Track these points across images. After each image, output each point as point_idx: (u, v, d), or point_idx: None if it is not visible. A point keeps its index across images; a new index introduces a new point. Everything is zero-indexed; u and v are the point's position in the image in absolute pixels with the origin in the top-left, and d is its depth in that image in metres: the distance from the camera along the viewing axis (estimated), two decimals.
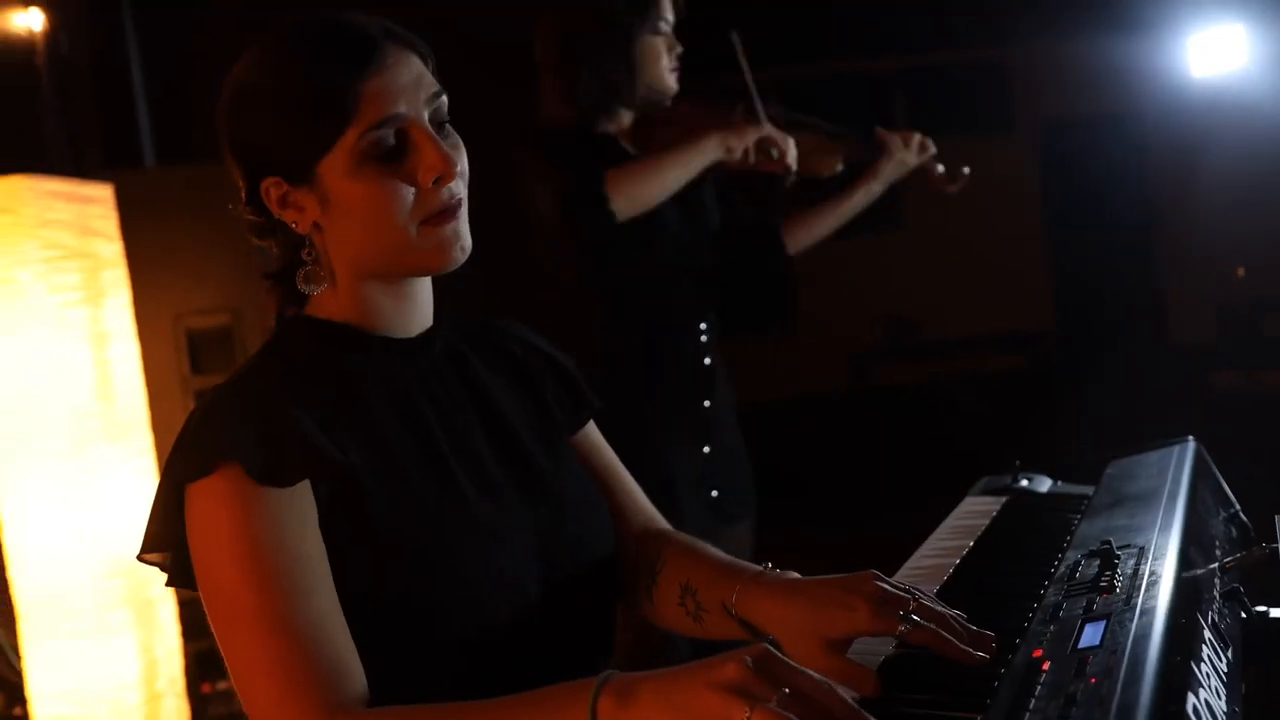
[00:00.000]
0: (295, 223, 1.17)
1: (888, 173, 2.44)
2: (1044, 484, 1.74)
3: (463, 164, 1.18)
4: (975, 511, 1.61)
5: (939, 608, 1.07)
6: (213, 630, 1.07)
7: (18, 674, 2.91)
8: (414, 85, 1.14)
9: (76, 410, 2.83)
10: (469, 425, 1.23)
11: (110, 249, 3.04)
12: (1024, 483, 1.73)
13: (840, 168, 2.39)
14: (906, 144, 2.44)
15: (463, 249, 1.18)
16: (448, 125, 1.19)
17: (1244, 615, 1.19)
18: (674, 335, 2.32)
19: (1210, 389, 7.06)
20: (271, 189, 1.16)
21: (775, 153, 2.19)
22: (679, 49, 2.30)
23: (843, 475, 6.04)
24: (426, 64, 1.18)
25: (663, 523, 1.41)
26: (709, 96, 2.32)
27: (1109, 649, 0.96)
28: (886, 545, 1.57)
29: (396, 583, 1.10)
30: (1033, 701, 0.91)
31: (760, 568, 1.21)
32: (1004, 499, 1.66)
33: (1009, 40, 8.59)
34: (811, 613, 1.10)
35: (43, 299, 2.79)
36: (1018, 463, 1.76)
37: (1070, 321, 9.05)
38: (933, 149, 2.46)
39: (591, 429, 1.41)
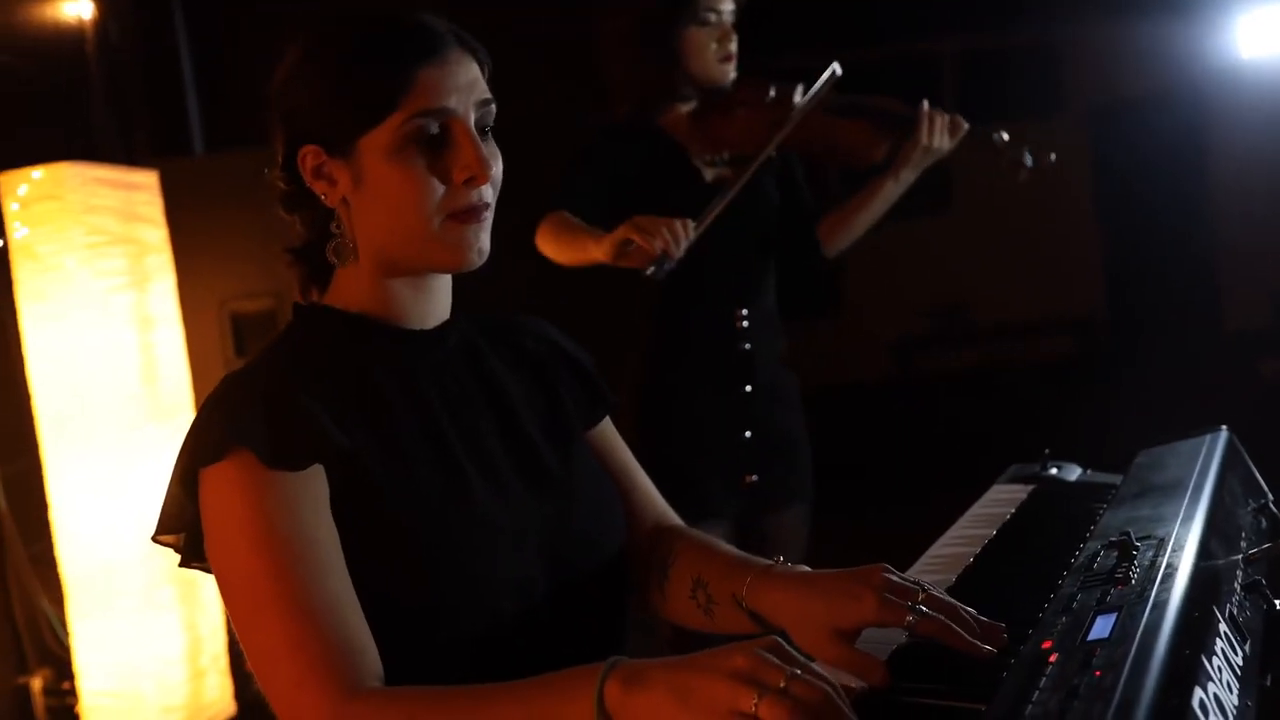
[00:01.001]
0: (325, 195, 1.19)
1: (917, 159, 2.30)
2: (1073, 472, 1.73)
3: (497, 171, 1.19)
4: (1001, 500, 1.60)
5: (948, 600, 1.07)
6: (229, 613, 1.09)
7: (66, 649, 2.97)
8: (468, 86, 1.17)
9: (122, 393, 2.89)
10: (479, 419, 1.24)
11: (155, 234, 3.10)
12: (1053, 471, 1.72)
13: (884, 156, 2.30)
14: (935, 126, 2.29)
15: (479, 253, 1.19)
16: (490, 135, 1.21)
17: (1266, 607, 1.18)
18: (710, 320, 2.33)
19: (1261, 377, 6.94)
20: (309, 157, 1.18)
21: (639, 250, 2.04)
22: (731, 39, 2.28)
23: (886, 461, 6.01)
24: (484, 72, 1.21)
25: (675, 520, 1.41)
26: (765, 82, 2.29)
27: (1118, 642, 0.95)
28: (928, 531, 1.56)
29: (401, 573, 1.11)
30: (1036, 693, 0.91)
31: (770, 561, 1.22)
32: (1031, 487, 1.65)
33: (1058, 22, 8.47)
34: (820, 604, 1.10)
35: (89, 284, 2.85)
36: (1046, 451, 1.75)
37: (1120, 307, 8.93)
38: (965, 128, 2.31)
39: (607, 427, 1.41)
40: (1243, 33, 6.48)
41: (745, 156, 2.21)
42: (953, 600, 1.08)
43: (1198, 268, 8.60)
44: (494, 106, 1.20)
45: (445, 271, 1.22)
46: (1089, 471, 1.73)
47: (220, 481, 1.09)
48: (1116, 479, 1.63)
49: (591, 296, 2.21)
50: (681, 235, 2.02)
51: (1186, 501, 1.33)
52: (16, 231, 2.85)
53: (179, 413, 3.07)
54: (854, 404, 7.59)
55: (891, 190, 2.36)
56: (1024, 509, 1.53)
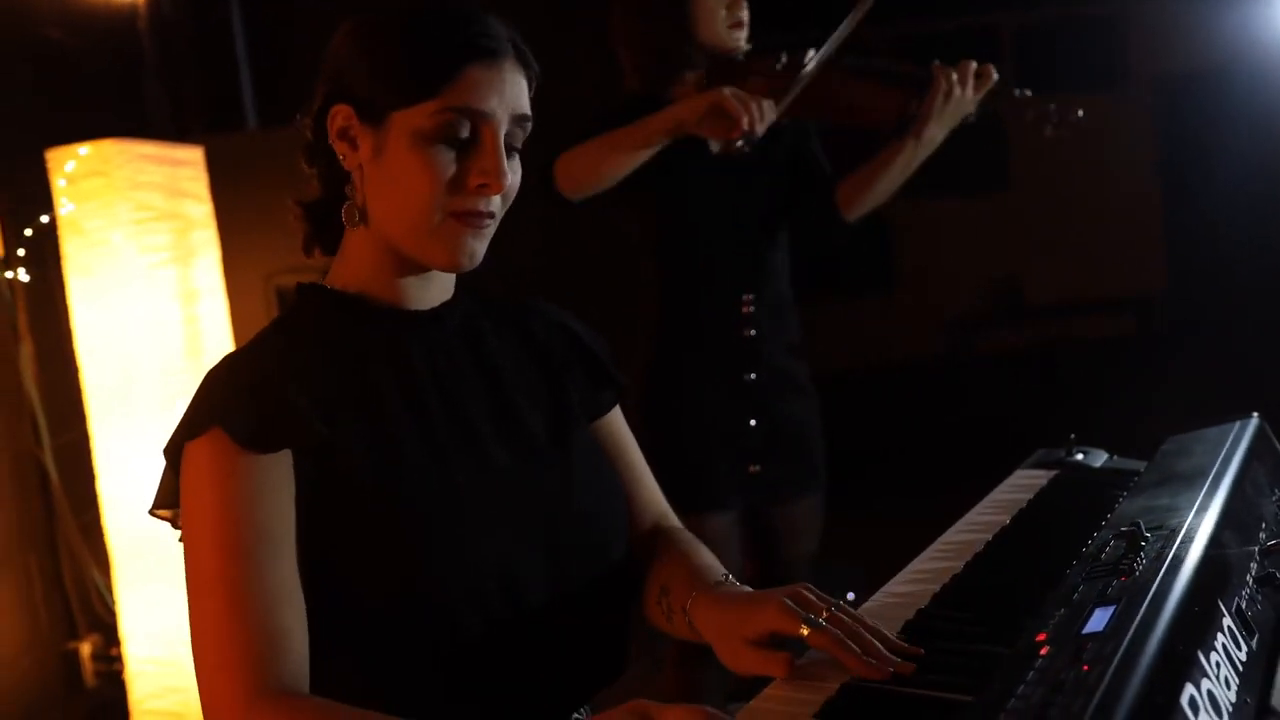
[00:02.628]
0: (344, 156, 1.20)
1: (941, 113, 2.13)
2: (1098, 458, 1.71)
3: (512, 186, 1.20)
4: (1020, 485, 1.59)
5: (854, 618, 1.08)
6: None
7: (113, 616, 3.04)
8: (509, 96, 1.17)
9: (167, 366, 2.94)
10: (470, 398, 1.24)
11: (200, 210, 3.14)
12: (1078, 457, 1.69)
13: (898, 118, 2.18)
14: (957, 78, 2.11)
15: (470, 258, 1.19)
16: (517, 152, 1.21)
17: (1278, 601, 1.16)
18: (715, 306, 2.28)
19: None
20: (339, 116, 1.19)
21: (727, 120, 2.02)
22: (742, 6, 2.23)
23: (936, 441, 5.95)
24: (530, 89, 1.21)
25: (674, 521, 1.41)
26: (776, 49, 2.24)
27: (1111, 635, 0.94)
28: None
29: (383, 558, 1.12)
30: (1022, 686, 0.90)
31: (722, 578, 1.24)
32: (1054, 473, 1.63)
33: None
34: (733, 616, 1.14)
35: (134, 259, 2.89)
36: (1072, 436, 1.72)
37: (1183, 287, 8.76)
38: (995, 77, 2.15)
39: (617, 422, 1.40)
40: None
41: (731, 143, 2.14)
42: (859, 619, 1.09)
43: (1263, 248, 8.40)
44: (530, 126, 1.21)
45: (432, 267, 1.22)
46: (1115, 458, 1.71)
47: (196, 457, 1.11)
48: (1142, 465, 1.60)
49: (602, 283, 2.19)
50: (767, 113, 2.01)
51: (1204, 491, 1.30)
52: (64, 207, 2.90)
53: None
54: (906, 382, 7.53)
55: (913, 151, 2.22)
56: (1042, 496, 1.52)
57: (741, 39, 2.25)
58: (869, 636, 1.06)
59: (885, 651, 1.05)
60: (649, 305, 2.31)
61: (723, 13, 2.21)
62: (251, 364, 1.16)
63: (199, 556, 1.09)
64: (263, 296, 3.74)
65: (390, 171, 1.17)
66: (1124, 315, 8.70)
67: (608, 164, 2.11)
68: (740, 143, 2.02)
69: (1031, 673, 0.92)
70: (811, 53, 2.15)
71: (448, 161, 1.15)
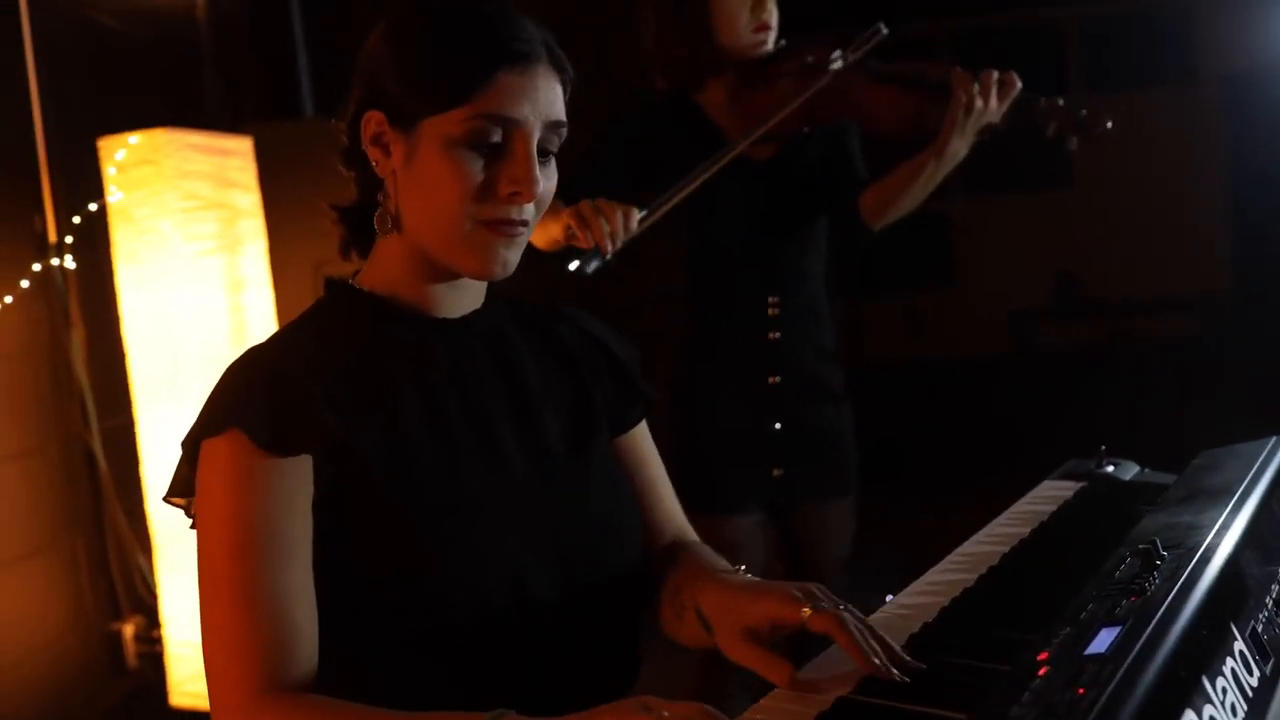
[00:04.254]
0: (377, 163, 1.19)
1: (963, 127, 2.04)
2: (1129, 471, 1.67)
3: (545, 193, 1.18)
4: (1046, 497, 1.56)
5: (856, 620, 1.07)
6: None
7: (155, 599, 3.09)
8: (542, 102, 1.15)
9: (212, 354, 2.98)
10: (491, 404, 1.23)
11: (248, 199, 3.17)
12: (1108, 469, 1.66)
13: (911, 126, 2.10)
14: (978, 90, 2.02)
15: (504, 266, 1.17)
16: (552, 159, 1.19)
17: None
18: (739, 309, 2.25)
19: None
20: (371, 122, 1.18)
21: (574, 235, 1.88)
22: (766, 8, 2.18)
23: (990, 438, 5.89)
24: (565, 94, 1.19)
25: (692, 536, 1.39)
26: (801, 51, 2.18)
27: (1112, 658, 0.92)
28: None
29: (394, 562, 1.12)
30: (1015, 707, 0.88)
31: (734, 569, 1.23)
32: (1081, 485, 1.60)
33: None
34: (738, 600, 1.13)
35: (182, 247, 2.94)
36: (1103, 448, 1.69)
37: (1248, 286, 8.58)
38: (1018, 86, 2.04)
39: (643, 438, 1.38)
40: None
41: (774, 134, 2.11)
42: (866, 623, 1.07)
43: None
44: (565, 131, 1.19)
45: (465, 275, 1.20)
46: (1146, 470, 1.67)
47: (213, 456, 1.11)
48: (1171, 479, 1.57)
49: (629, 286, 2.16)
50: (619, 229, 1.85)
51: (1229, 509, 1.27)
52: (114, 195, 2.95)
53: None
54: (963, 377, 7.46)
55: (935, 166, 2.12)
56: (1065, 509, 1.49)
57: (768, 41, 2.20)
58: (875, 639, 1.05)
59: (885, 656, 1.04)
60: (676, 310, 2.30)
61: (746, 16, 2.17)
62: (273, 362, 1.15)
63: (211, 556, 1.09)
64: (311, 286, 3.76)
65: (421, 178, 1.15)
66: (1187, 315, 8.55)
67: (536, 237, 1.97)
68: (575, 264, 1.85)
69: (1026, 694, 0.90)
70: (838, 53, 2.11)
71: (478, 169, 1.14)
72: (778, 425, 2.25)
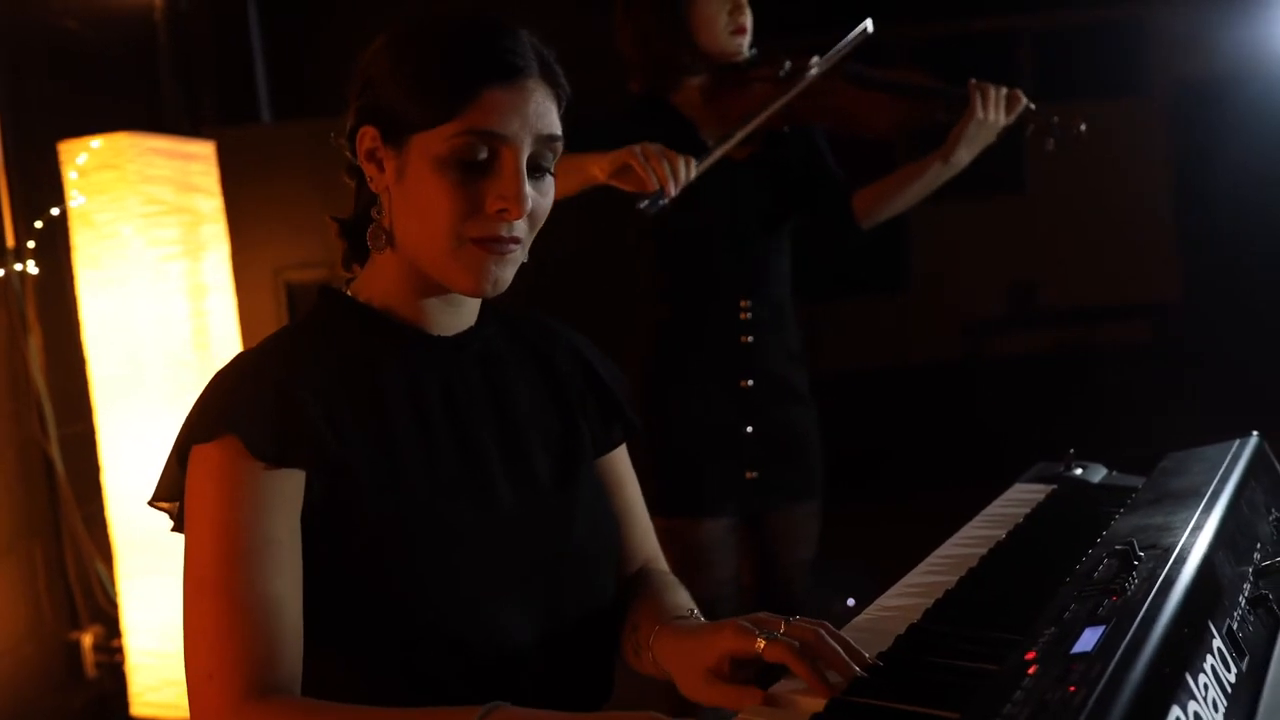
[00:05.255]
0: (372, 179, 1.18)
1: (973, 135, 2.14)
2: (1097, 474, 1.70)
3: (538, 209, 1.17)
4: (1018, 500, 1.58)
5: (811, 629, 1.06)
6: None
7: (115, 608, 3.05)
8: (532, 117, 1.13)
9: (174, 358, 2.95)
10: (484, 437, 1.22)
11: (210, 204, 3.15)
12: (1077, 472, 1.69)
13: (891, 127, 2.17)
14: (989, 101, 2.12)
15: (495, 283, 1.15)
16: (548, 173, 1.18)
17: (1272, 622, 1.16)
18: (712, 312, 2.28)
19: None
20: (366, 138, 1.17)
21: (635, 178, 1.98)
22: (743, 11, 2.21)
23: (948, 444, 5.95)
24: (559, 107, 1.18)
25: (662, 564, 1.40)
26: (779, 55, 2.22)
27: (1099, 656, 0.94)
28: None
29: (381, 584, 1.11)
30: (1007, 706, 0.90)
31: (686, 614, 1.23)
32: (1052, 488, 1.62)
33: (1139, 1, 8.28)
34: (691, 644, 1.12)
35: (144, 252, 2.91)
36: (1071, 451, 1.72)
37: (1198, 294, 8.73)
38: (1024, 102, 2.15)
39: (620, 457, 1.38)
40: None
41: (756, 132, 2.14)
42: (822, 626, 1.07)
43: (1277, 258, 8.36)
44: (560, 145, 1.17)
45: (456, 292, 1.19)
46: (1114, 473, 1.70)
47: (205, 461, 1.10)
48: (1139, 482, 1.60)
49: (599, 287, 2.17)
50: (681, 173, 1.95)
51: (1200, 510, 1.30)
52: (75, 200, 2.92)
53: None
54: (918, 384, 7.52)
55: (939, 172, 2.22)
56: (1039, 511, 1.51)
57: (744, 45, 2.23)
58: (832, 644, 1.05)
59: (848, 660, 1.04)
60: (648, 308, 2.31)
61: (724, 19, 2.20)
62: (270, 371, 1.14)
63: (200, 560, 1.08)
64: (271, 291, 3.76)
65: (412, 195, 1.14)
66: (1138, 323, 8.68)
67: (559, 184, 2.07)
68: (646, 204, 1.97)
69: (1018, 692, 0.92)
70: (815, 59, 2.14)
71: (466, 185, 1.12)
72: (750, 428, 2.28)
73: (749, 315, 2.27)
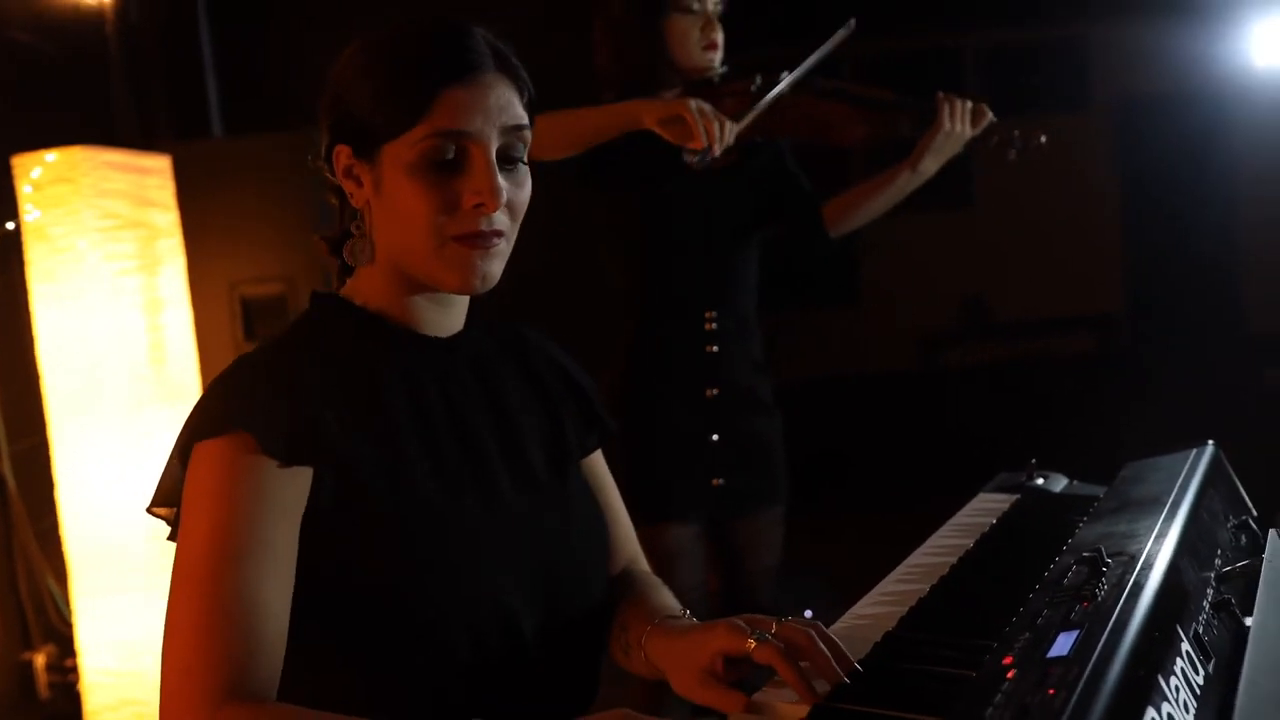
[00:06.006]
0: (352, 195, 1.20)
1: (940, 146, 2.22)
2: (1059, 483, 1.74)
3: (516, 200, 1.19)
4: (983, 509, 1.61)
5: (802, 631, 1.09)
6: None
7: (69, 626, 3.01)
8: (495, 110, 1.16)
9: (131, 373, 2.92)
10: (481, 430, 1.24)
11: (166, 219, 3.13)
12: (1039, 481, 1.72)
13: (861, 138, 2.23)
14: (956, 114, 2.20)
15: (483, 279, 1.18)
16: (520, 163, 1.20)
17: (1235, 627, 1.19)
18: (678, 323, 2.32)
19: (1269, 385, 6.91)
20: (341, 155, 1.19)
21: (685, 131, 2.10)
22: (715, 28, 2.26)
23: (899, 456, 6.00)
24: (522, 97, 1.20)
25: (643, 564, 1.43)
26: (750, 71, 2.28)
27: (1075, 660, 0.96)
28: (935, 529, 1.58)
29: (386, 583, 1.12)
30: (989, 710, 0.92)
31: (678, 614, 1.25)
32: (1015, 497, 1.66)
33: (1084, 17, 8.42)
34: (684, 643, 1.15)
35: (99, 266, 2.88)
36: (1033, 461, 1.75)
37: (1142, 307, 8.88)
38: (989, 116, 2.23)
39: (598, 461, 1.41)
40: (1259, 40, 6.42)
41: (729, 145, 2.19)
42: (813, 627, 1.10)
43: (1221, 270, 8.54)
44: (528, 133, 1.20)
45: (448, 291, 1.21)
46: (1075, 483, 1.74)
47: (209, 456, 1.10)
48: (1100, 491, 1.63)
49: (570, 298, 2.20)
50: (727, 136, 2.08)
51: (1162, 518, 1.33)
52: (29, 214, 2.88)
53: (186, 394, 3.10)
54: (870, 396, 7.59)
55: (907, 181, 2.30)
56: (1005, 520, 1.54)
57: (715, 61, 2.28)
58: (820, 648, 1.07)
59: (835, 665, 1.06)
60: (619, 318, 2.35)
61: (696, 35, 2.25)
62: (277, 370, 1.15)
63: (193, 554, 1.08)
64: (227, 306, 3.72)
65: (390, 204, 1.17)
66: (1084, 334, 8.82)
67: (565, 136, 2.17)
68: (695, 158, 2.09)
69: (999, 696, 0.94)
70: (785, 75, 2.19)
71: (440, 186, 1.14)
72: (715, 436, 2.32)
73: (714, 326, 2.32)
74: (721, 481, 2.32)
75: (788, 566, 2.53)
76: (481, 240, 1.16)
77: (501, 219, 1.18)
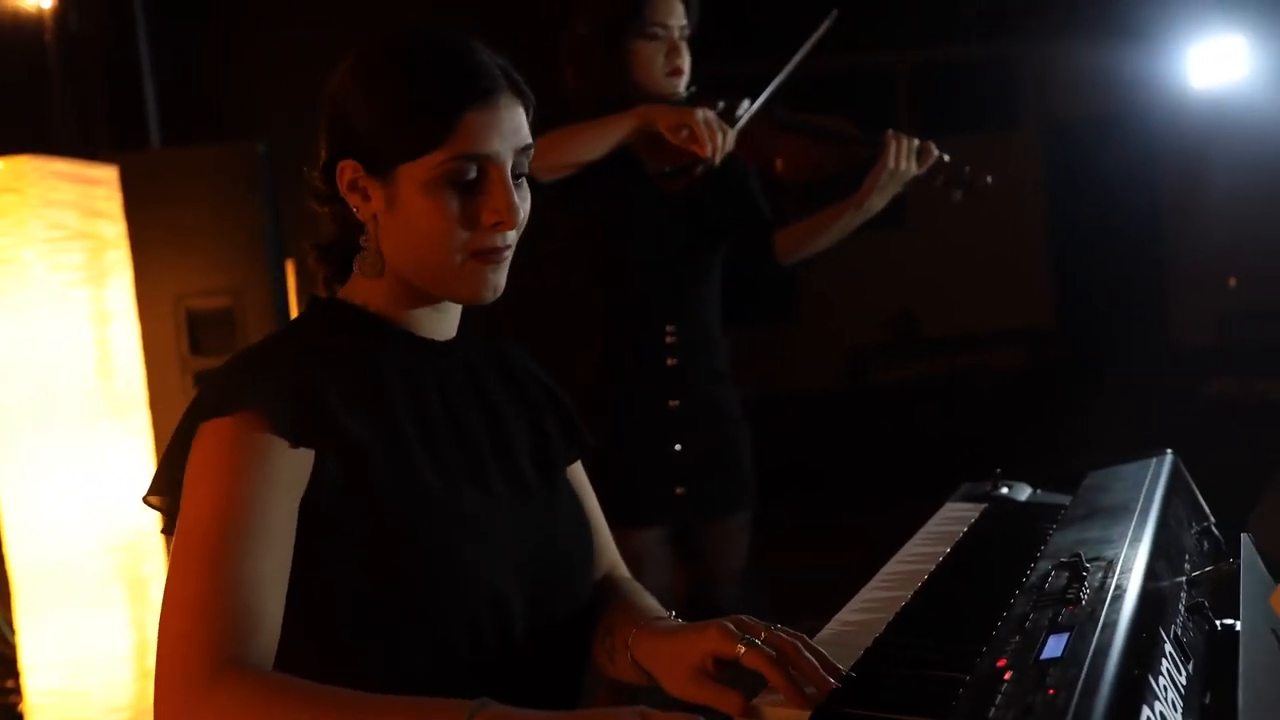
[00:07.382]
0: (358, 208, 1.22)
1: (885, 184, 2.32)
2: (1023, 492, 1.78)
3: (523, 215, 1.22)
4: (953, 518, 1.65)
5: (789, 640, 1.11)
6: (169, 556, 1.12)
7: (11, 647, 2.94)
8: (509, 132, 1.19)
9: (77, 387, 2.87)
10: (476, 433, 1.27)
11: (113, 230, 3.08)
12: (1004, 490, 1.76)
13: (821, 172, 2.33)
14: (901, 153, 2.29)
15: (494, 290, 1.23)
16: (524, 178, 1.24)
17: (1208, 629, 1.23)
18: (637, 336, 2.37)
19: (1205, 396, 7.08)
20: (347, 169, 1.21)
21: (691, 137, 2.17)
22: (680, 54, 2.30)
23: (841, 471, 6.07)
24: (528, 115, 1.23)
25: (624, 571, 1.45)
26: (713, 98, 2.32)
27: (1070, 661, 0.99)
28: (884, 542, 1.60)
29: (387, 572, 1.14)
30: (992, 710, 0.94)
31: (664, 615, 1.27)
32: (983, 507, 1.69)
33: (1017, 37, 8.59)
34: (675, 644, 1.17)
35: (46, 278, 2.83)
36: (998, 470, 1.79)
37: (1072, 322, 9.07)
38: (935, 154, 2.34)
39: (578, 471, 1.44)
40: (1194, 62, 6.60)
41: (687, 166, 2.25)
42: (799, 638, 1.12)
43: (1148, 286, 8.74)
44: (532, 150, 1.24)
45: (459, 302, 1.27)
46: (1039, 492, 1.78)
47: (217, 434, 1.12)
48: (1065, 499, 1.67)
49: (552, 316, 2.23)
50: (727, 147, 2.18)
51: (1134, 524, 1.37)
52: None
53: (133, 408, 3.05)
54: (807, 412, 7.66)
55: (853, 218, 2.39)
56: (976, 528, 1.57)
57: (680, 86, 2.32)
58: (807, 657, 1.09)
59: (823, 673, 1.08)
60: (596, 330, 2.39)
61: (660, 61, 2.30)
62: (284, 358, 1.19)
63: (199, 528, 1.09)
64: (172, 319, 3.65)
65: (406, 220, 1.19)
66: (1015, 349, 8.98)
67: (570, 149, 2.21)
68: (700, 168, 2.17)
69: (999, 697, 0.97)
70: (746, 102, 2.24)
71: (460, 205, 1.18)
72: (678, 446, 2.37)
73: (674, 339, 2.37)
74: (684, 490, 2.37)
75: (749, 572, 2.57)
76: (496, 255, 1.21)
77: (512, 235, 1.22)
